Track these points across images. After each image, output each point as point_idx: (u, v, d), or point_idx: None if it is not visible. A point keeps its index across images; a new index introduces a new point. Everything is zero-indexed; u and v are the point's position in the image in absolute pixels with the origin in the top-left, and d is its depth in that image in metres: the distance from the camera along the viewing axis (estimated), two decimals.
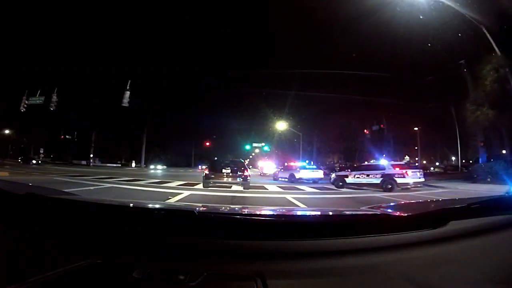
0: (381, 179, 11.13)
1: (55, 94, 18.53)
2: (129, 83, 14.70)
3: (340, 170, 15.68)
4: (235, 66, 29.08)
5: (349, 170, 12.77)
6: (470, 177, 14.95)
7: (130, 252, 0.80)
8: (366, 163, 16.80)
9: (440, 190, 11.43)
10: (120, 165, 44.32)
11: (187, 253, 0.79)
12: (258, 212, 1.41)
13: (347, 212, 1.34)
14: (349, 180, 12.11)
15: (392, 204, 2.75)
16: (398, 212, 1.23)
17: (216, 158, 12.22)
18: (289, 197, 8.05)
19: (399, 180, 10.81)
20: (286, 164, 18.85)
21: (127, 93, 14.98)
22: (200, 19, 25.51)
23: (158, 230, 0.86)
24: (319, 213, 1.52)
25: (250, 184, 9.94)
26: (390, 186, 10.74)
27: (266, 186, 12.19)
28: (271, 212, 1.44)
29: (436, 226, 0.91)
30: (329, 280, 0.73)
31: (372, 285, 0.73)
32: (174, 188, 9.70)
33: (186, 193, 7.99)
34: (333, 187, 12.37)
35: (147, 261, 0.76)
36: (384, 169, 11.43)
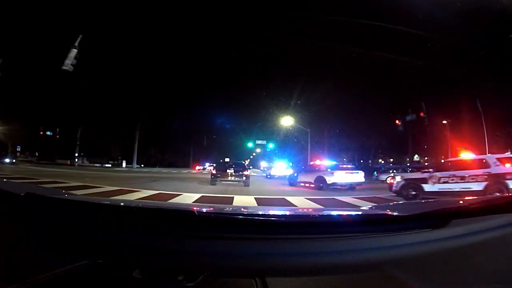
0: (485, 183, 6.74)
1: None
2: (79, 38, 9.21)
3: (412, 171, 10.72)
4: (236, 53, 24.51)
5: (431, 170, 7.80)
6: None
7: (130, 252, 0.79)
8: (450, 158, 12.06)
9: None
10: (110, 165, 40.06)
11: (187, 253, 0.77)
12: (258, 212, 1.40)
13: (347, 212, 1.20)
14: (428, 187, 7.38)
15: (392, 204, 2.64)
16: (399, 212, 1.14)
17: (221, 160, 13.55)
18: None
19: None
20: (310, 163, 13.85)
21: (73, 52, 9.45)
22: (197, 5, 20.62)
23: (158, 230, 0.86)
24: (319, 213, 1.45)
25: (262, 197, 8.12)
26: (499, 195, 6.27)
27: (288, 198, 7.38)
28: (271, 212, 1.43)
29: (436, 226, 0.90)
30: (329, 280, 0.72)
31: (372, 285, 0.72)
32: None
33: None
34: (397, 198, 7.59)
35: (147, 261, 0.75)
36: (487, 166, 6.92)
